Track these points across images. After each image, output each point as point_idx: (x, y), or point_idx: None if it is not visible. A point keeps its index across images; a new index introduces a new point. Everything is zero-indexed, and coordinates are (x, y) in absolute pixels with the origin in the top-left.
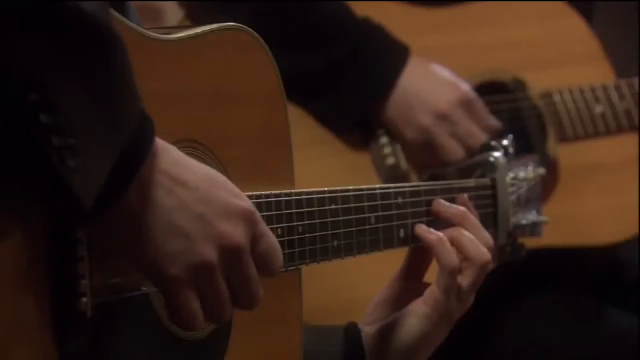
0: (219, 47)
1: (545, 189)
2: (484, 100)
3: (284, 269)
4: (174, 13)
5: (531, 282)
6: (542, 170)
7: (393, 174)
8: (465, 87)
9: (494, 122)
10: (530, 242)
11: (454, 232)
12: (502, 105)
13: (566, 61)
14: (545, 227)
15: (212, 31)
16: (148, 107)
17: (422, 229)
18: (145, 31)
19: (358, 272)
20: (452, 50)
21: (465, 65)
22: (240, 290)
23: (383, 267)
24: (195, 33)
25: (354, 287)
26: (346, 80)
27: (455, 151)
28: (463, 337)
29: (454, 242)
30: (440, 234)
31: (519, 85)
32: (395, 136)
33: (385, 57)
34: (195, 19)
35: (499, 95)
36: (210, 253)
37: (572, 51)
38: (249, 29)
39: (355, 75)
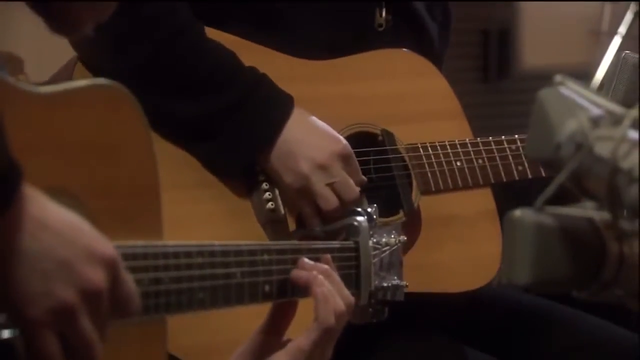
0: (90, 100)
1: (408, 238)
2: (357, 150)
3: (149, 317)
4: (32, 64)
5: (386, 322)
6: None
7: (271, 219)
8: (345, 142)
9: (364, 178)
10: None
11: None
12: (372, 156)
13: (430, 117)
14: (405, 274)
15: (84, 86)
16: (18, 155)
17: (317, 280)
18: (17, 82)
19: (230, 325)
20: (328, 101)
21: (339, 116)
22: (99, 330)
23: (253, 324)
24: (67, 87)
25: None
26: (234, 127)
27: (329, 199)
28: None
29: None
30: (326, 290)
31: (388, 137)
32: (274, 182)
33: (272, 106)
34: (88, 62)
35: (370, 146)
36: (70, 296)
37: (435, 107)
38: (120, 84)
39: (242, 123)
